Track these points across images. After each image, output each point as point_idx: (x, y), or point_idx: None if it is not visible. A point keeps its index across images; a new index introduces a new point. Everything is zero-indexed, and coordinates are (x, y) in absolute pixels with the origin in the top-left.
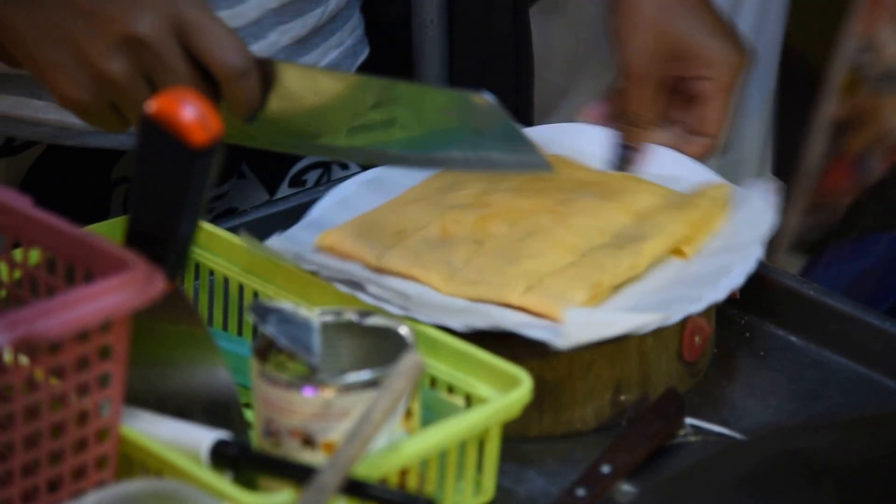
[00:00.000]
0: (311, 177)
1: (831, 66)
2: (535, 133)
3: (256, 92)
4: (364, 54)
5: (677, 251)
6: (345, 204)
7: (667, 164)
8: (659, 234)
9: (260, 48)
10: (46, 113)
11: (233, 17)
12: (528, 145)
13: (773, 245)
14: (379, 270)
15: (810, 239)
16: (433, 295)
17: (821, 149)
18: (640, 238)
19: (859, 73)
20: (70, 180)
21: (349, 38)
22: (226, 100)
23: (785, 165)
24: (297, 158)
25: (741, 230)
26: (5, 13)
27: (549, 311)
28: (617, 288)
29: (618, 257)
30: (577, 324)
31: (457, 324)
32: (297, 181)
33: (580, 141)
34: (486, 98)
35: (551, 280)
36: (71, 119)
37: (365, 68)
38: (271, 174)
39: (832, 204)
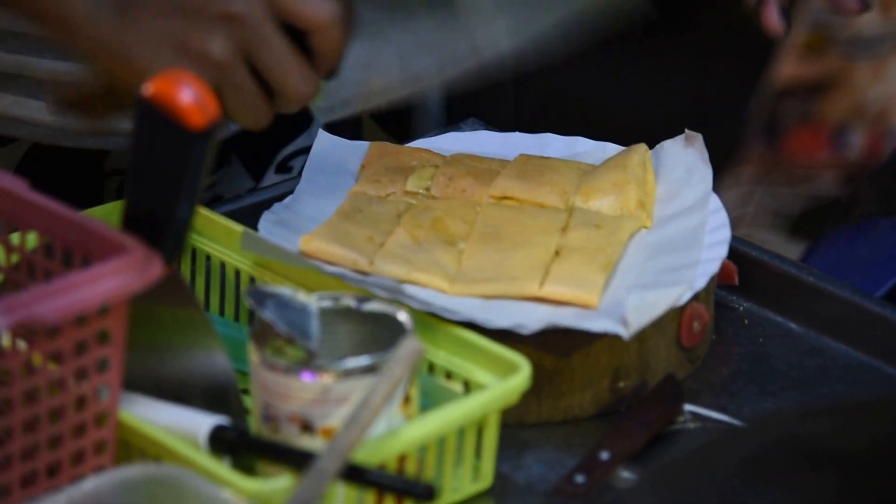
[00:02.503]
0: (298, 163)
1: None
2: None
3: (344, 42)
4: None
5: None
6: (283, 224)
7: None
8: (617, 206)
9: None
10: (44, 114)
11: None
12: None
13: (750, 216)
14: (369, 275)
15: (793, 212)
16: (442, 297)
17: (769, 109)
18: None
19: (825, 33)
20: (62, 172)
21: None
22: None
23: (733, 130)
24: (283, 144)
25: (681, 190)
26: (89, 22)
27: (584, 300)
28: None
29: (604, 235)
30: (634, 308)
31: (511, 325)
32: (283, 167)
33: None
34: None
35: (559, 267)
36: (68, 120)
37: None
38: (257, 160)
39: (810, 176)
